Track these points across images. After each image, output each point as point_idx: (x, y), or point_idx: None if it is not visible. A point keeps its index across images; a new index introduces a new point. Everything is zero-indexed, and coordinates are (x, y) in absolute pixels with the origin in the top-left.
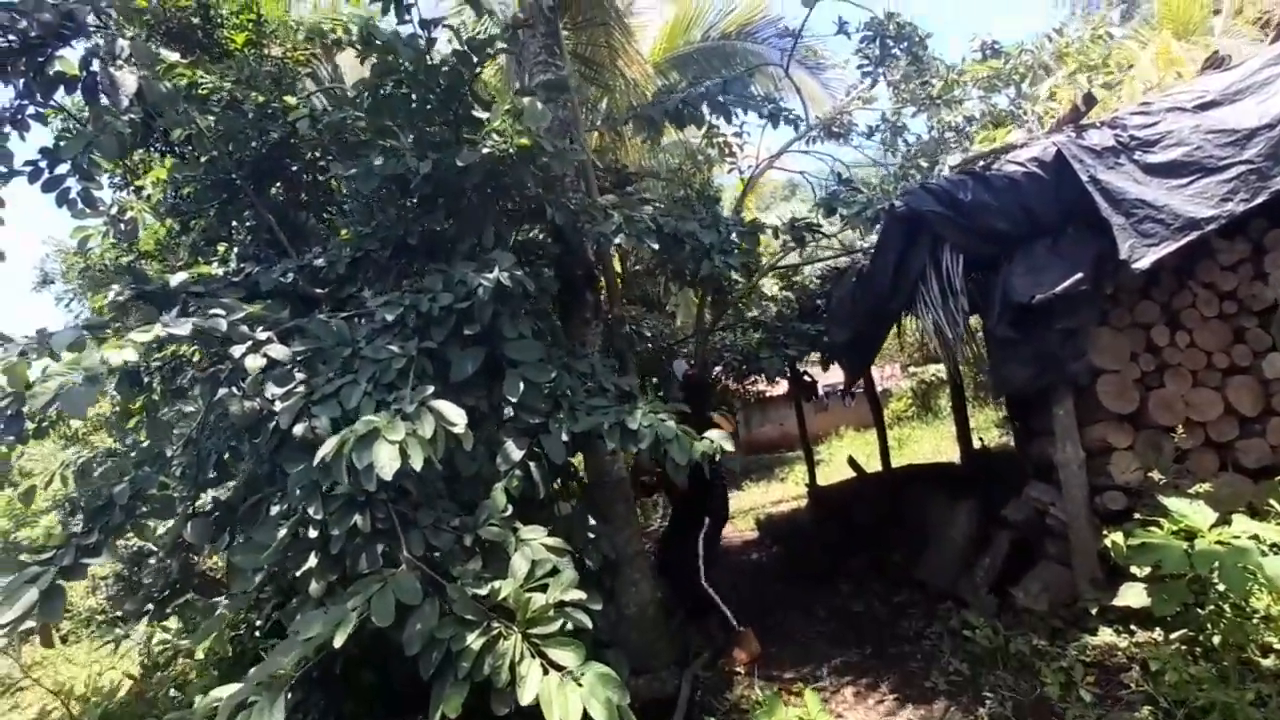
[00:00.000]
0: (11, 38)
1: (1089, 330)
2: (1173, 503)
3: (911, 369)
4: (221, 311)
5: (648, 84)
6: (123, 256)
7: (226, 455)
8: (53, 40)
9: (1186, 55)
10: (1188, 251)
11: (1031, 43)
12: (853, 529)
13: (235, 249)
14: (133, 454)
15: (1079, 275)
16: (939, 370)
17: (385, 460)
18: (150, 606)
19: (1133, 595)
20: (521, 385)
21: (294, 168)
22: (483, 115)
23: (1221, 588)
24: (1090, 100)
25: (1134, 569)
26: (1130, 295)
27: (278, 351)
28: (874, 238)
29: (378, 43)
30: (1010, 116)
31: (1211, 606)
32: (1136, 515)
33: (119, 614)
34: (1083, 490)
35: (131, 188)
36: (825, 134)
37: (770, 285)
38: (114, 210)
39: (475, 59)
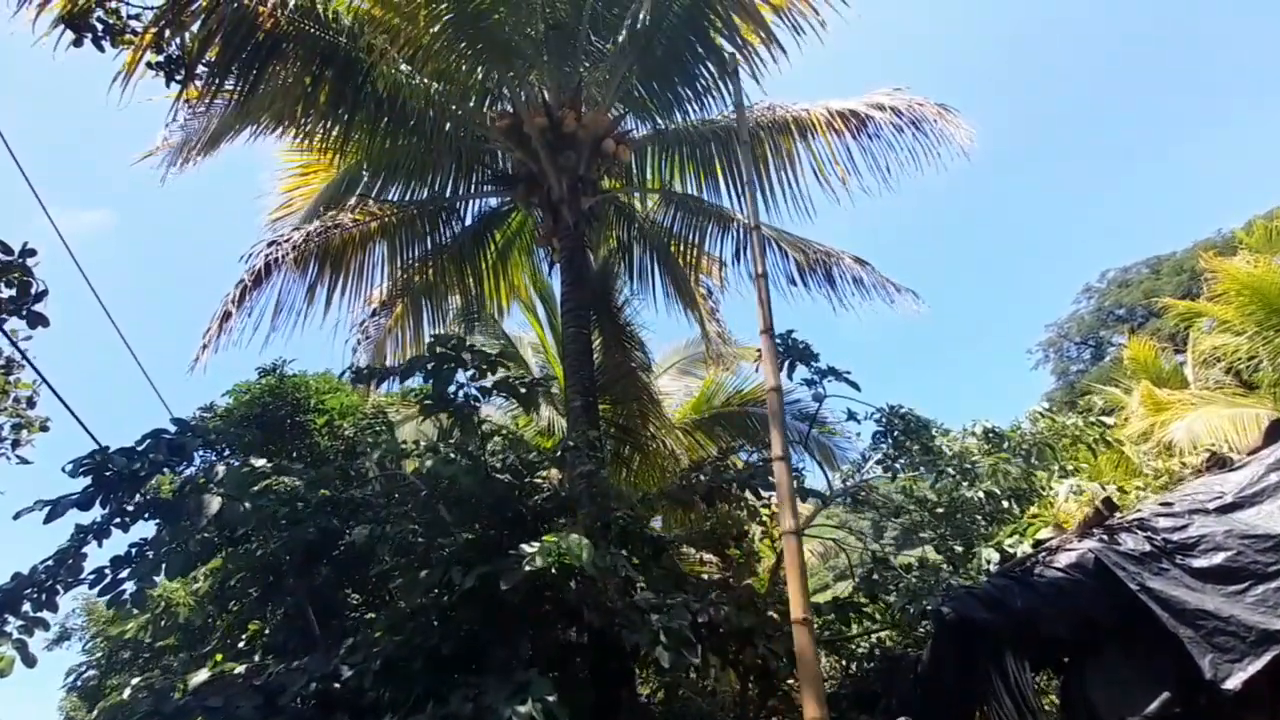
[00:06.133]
0: (121, 472)
1: None
2: None
3: None
4: None
5: (675, 444)
6: (153, 639)
7: None
8: (158, 471)
9: (1171, 398)
10: (1276, 660)
11: (1025, 418)
12: None
13: (265, 633)
14: None
15: (1167, 695)
16: None
17: None
18: None
19: None
20: None
21: (340, 548)
22: (529, 549)
23: None
24: (1111, 505)
25: None
26: (1231, 707)
27: None
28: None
29: (446, 469)
30: (1026, 489)
31: None
32: None
33: None
34: None
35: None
36: (850, 501)
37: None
38: (159, 608)
39: (527, 475)
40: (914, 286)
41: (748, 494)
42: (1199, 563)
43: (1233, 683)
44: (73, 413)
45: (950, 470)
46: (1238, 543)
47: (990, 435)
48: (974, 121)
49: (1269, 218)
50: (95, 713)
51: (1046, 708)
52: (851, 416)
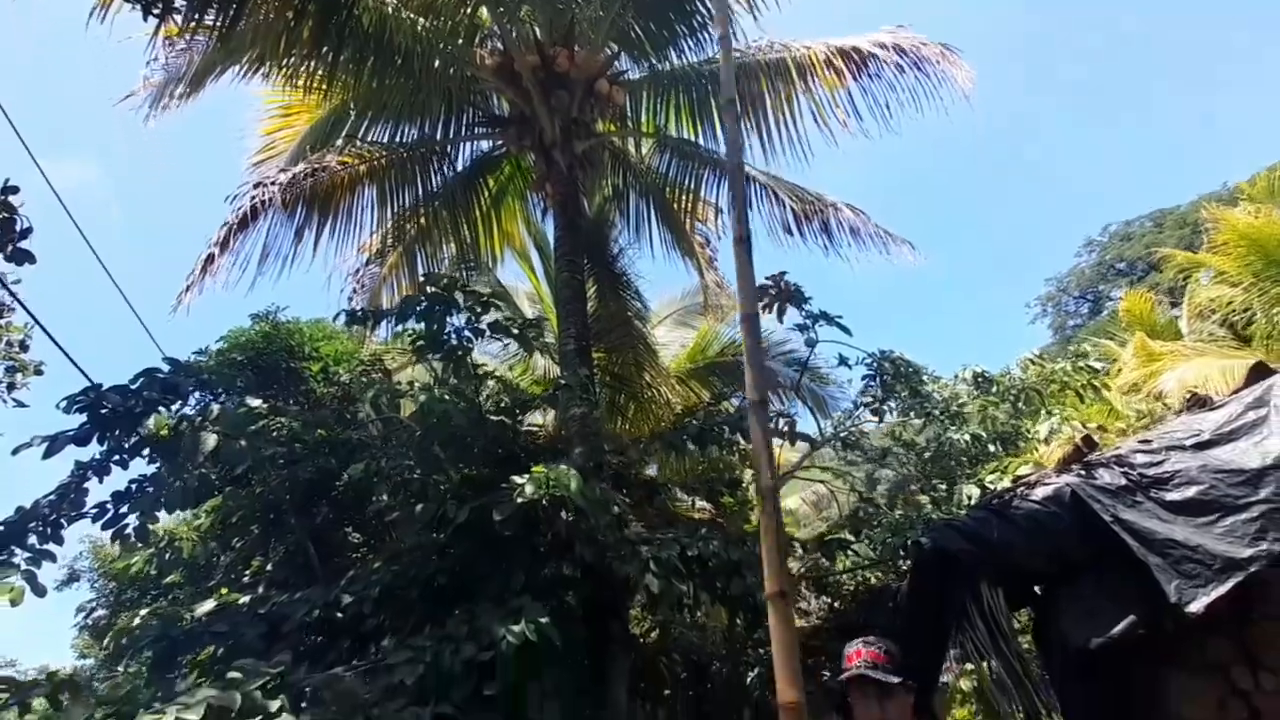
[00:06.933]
0: (117, 409)
1: (1163, 675)
2: None
3: (968, 664)
4: (239, 675)
5: (670, 393)
6: (158, 572)
7: None
8: (152, 409)
9: (1164, 350)
10: (1241, 587)
11: (1016, 365)
12: None
13: (269, 566)
14: None
15: (1132, 618)
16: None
17: None
18: None
19: None
20: None
21: (339, 488)
22: (520, 480)
23: None
24: (1090, 442)
25: None
26: (1197, 632)
27: None
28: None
29: (439, 405)
30: (1013, 433)
31: None
32: None
33: None
34: None
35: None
36: (840, 445)
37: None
38: (163, 542)
39: (520, 415)
40: (918, 242)
41: (739, 438)
42: (1172, 496)
43: (1196, 606)
44: (65, 352)
45: (937, 413)
46: (1211, 477)
47: (979, 380)
48: (982, 76)
49: (1273, 170)
50: (106, 641)
51: (1025, 646)
52: (843, 362)
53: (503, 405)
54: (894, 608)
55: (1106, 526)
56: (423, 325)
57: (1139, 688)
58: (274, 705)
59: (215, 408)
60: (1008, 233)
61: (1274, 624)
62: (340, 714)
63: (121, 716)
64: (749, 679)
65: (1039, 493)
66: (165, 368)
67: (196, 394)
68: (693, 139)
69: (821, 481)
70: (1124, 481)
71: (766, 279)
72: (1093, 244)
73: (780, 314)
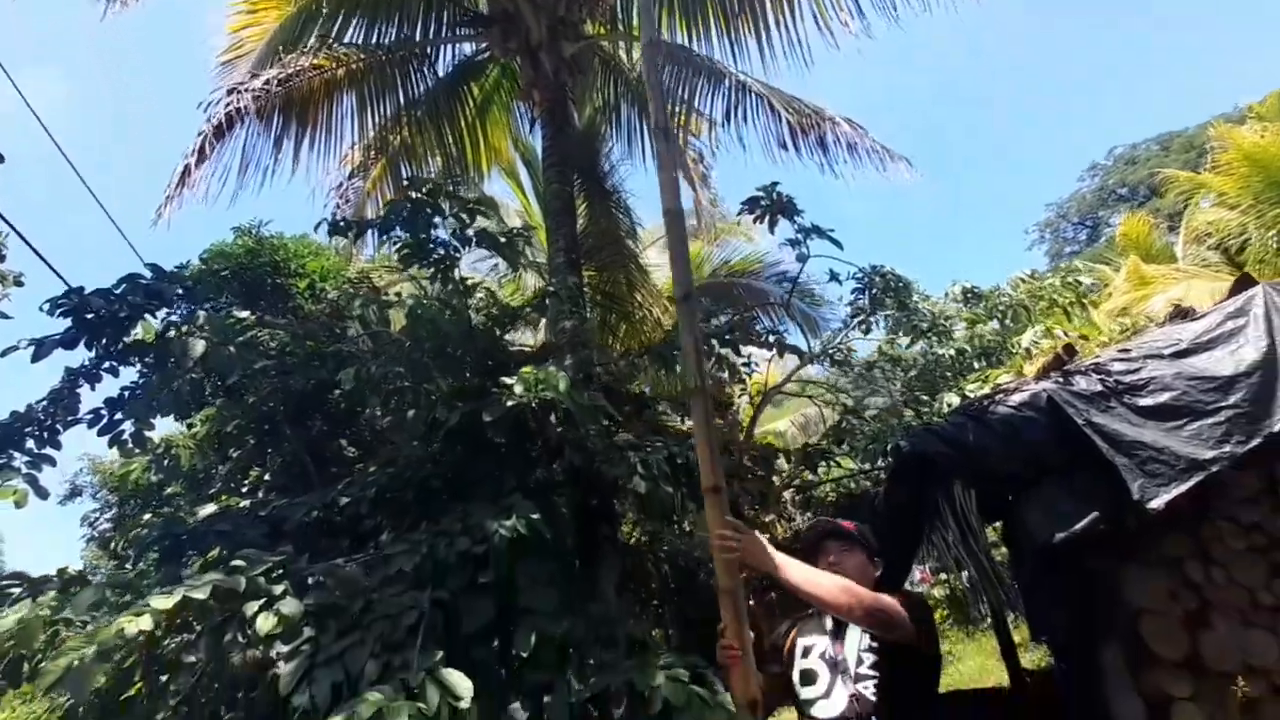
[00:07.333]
0: (101, 314)
1: (1121, 569)
2: None
3: (943, 574)
4: (243, 563)
5: (662, 314)
6: (159, 482)
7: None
8: (138, 314)
9: (1156, 273)
10: (1201, 487)
11: (1007, 283)
12: None
13: (267, 476)
14: None
15: (1095, 514)
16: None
17: None
18: None
19: None
20: (533, 638)
21: (332, 400)
22: (509, 380)
23: None
24: (1070, 350)
25: None
26: (1157, 529)
27: (290, 607)
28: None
29: (424, 316)
30: (998, 348)
31: None
32: None
33: None
34: None
35: (183, 424)
36: (828, 361)
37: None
38: (159, 449)
39: (508, 322)
40: (926, 170)
41: (729, 353)
42: (1145, 401)
43: (1157, 503)
44: (41, 256)
45: (924, 327)
46: (1184, 384)
47: (969, 295)
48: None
49: None
50: (112, 546)
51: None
52: (834, 277)
53: (492, 315)
54: (872, 512)
55: (1079, 430)
56: (408, 234)
57: (1100, 582)
58: (278, 589)
59: (201, 315)
60: (1017, 159)
61: (1228, 524)
62: (343, 598)
63: (128, 606)
64: None
65: (1016, 399)
66: (148, 274)
67: (182, 307)
68: (686, 44)
69: (809, 396)
70: (1100, 387)
71: (758, 189)
72: (1096, 168)
73: (772, 225)
